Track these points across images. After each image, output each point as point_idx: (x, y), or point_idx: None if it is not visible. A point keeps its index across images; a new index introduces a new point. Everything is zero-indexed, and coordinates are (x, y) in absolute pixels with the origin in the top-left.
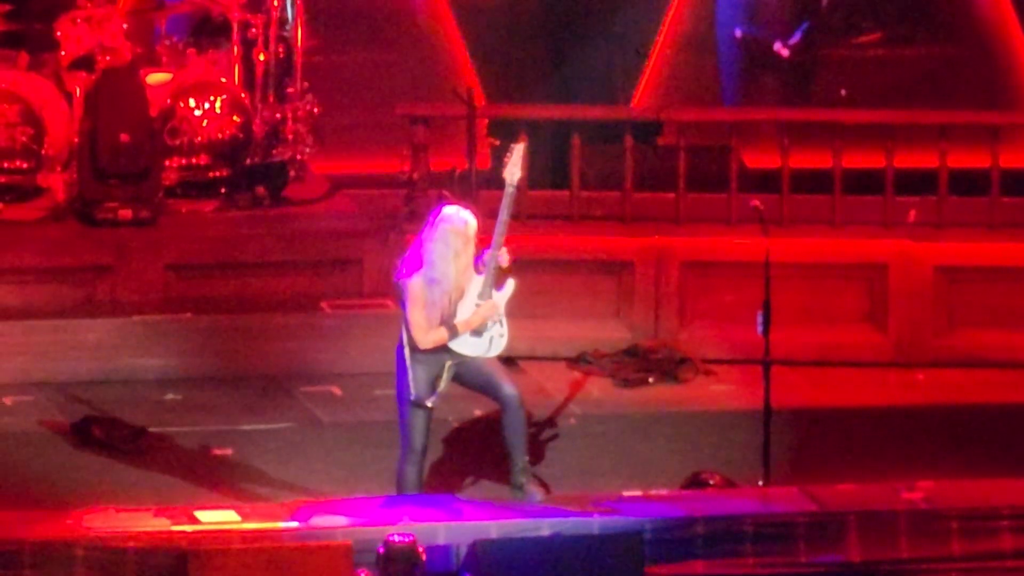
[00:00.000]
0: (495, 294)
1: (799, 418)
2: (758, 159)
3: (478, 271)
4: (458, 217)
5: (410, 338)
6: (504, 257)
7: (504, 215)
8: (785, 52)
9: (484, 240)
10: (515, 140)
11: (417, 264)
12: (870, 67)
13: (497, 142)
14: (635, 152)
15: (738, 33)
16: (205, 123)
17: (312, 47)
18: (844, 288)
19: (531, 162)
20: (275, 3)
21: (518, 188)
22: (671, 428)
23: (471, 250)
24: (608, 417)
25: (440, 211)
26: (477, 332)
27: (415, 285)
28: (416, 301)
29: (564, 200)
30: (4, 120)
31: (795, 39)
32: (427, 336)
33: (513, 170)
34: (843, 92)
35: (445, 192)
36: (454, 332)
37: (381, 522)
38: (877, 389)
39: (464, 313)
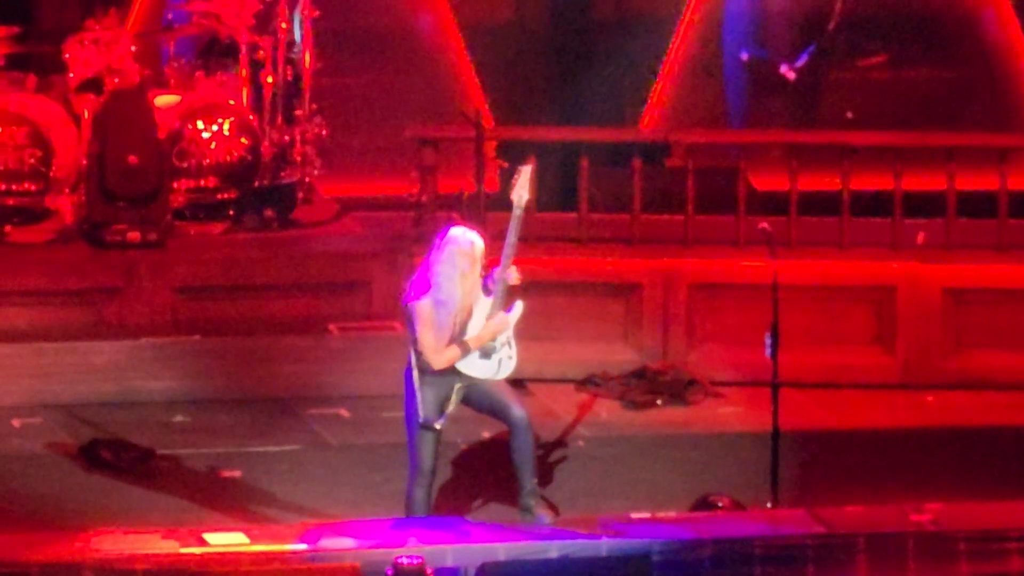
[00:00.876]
0: (503, 316)
1: (807, 440)
2: (766, 181)
3: (487, 293)
4: (464, 238)
5: (419, 360)
6: (514, 275)
7: (512, 237)
8: (791, 75)
9: (493, 262)
10: (523, 162)
11: (425, 287)
12: (876, 89)
13: (506, 164)
14: (643, 174)
15: (744, 56)
16: (213, 145)
17: (320, 69)
18: (852, 310)
19: (539, 184)
20: (283, 25)
21: (526, 210)
22: (679, 450)
23: (477, 270)
24: (616, 439)
25: (446, 233)
26: (486, 354)
27: (424, 307)
28: (426, 323)
29: (572, 222)
30: (12, 142)
31: (801, 61)
32: (440, 356)
33: (520, 192)
34: (849, 114)
35: (454, 214)
36: (466, 349)
37: (390, 544)
38: (885, 411)
39: (473, 334)
